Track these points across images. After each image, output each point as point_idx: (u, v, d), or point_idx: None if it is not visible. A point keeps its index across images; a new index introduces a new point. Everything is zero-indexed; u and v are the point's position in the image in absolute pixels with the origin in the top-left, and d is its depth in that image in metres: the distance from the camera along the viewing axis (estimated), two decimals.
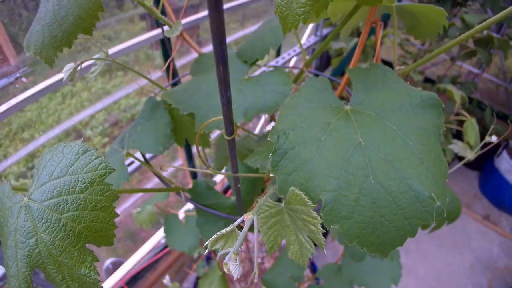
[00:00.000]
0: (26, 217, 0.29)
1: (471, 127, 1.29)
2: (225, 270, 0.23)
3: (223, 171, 0.64)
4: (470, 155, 0.77)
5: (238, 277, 0.23)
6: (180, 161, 1.44)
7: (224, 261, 0.23)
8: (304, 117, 0.33)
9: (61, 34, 0.35)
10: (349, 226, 0.28)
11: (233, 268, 0.22)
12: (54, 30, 0.35)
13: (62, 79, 0.44)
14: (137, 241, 1.60)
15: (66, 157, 0.29)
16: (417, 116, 0.32)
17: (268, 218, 0.32)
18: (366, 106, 0.34)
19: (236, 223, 0.26)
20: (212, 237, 0.25)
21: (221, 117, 0.29)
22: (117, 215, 0.29)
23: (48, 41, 0.36)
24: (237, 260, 0.23)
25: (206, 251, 0.25)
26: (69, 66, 0.44)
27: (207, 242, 0.25)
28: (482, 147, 1.07)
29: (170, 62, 0.87)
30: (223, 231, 0.25)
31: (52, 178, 0.29)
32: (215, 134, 1.21)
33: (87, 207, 0.29)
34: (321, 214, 0.28)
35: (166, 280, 0.94)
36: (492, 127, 0.74)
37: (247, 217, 0.26)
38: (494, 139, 0.66)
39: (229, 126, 0.29)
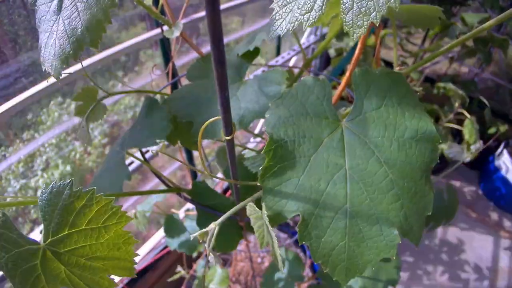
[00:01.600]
0: (48, 258, 0.31)
1: (471, 126, 1.29)
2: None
3: (221, 173, 0.65)
4: (467, 157, 0.78)
5: (220, 265, 0.29)
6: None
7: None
8: (298, 128, 0.33)
9: (69, 47, 0.35)
10: (318, 245, 0.30)
11: (211, 259, 0.29)
12: (63, 42, 0.36)
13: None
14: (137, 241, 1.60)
15: (80, 207, 0.30)
16: (409, 150, 0.32)
17: (256, 220, 0.34)
18: (361, 127, 0.33)
19: (209, 228, 0.30)
20: (195, 234, 0.29)
21: (218, 117, 0.29)
22: (136, 254, 0.32)
23: (58, 54, 0.36)
24: (212, 255, 0.30)
25: (192, 236, 0.30)
26: (81, 133, 0.45)
27: (194, 235, 0.30)
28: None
29: (169, 63, 0.87)
30: (204, 230, 0.30)
31: (68, 228, 0.30)
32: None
33: (105, 250, 0.31)
34: (297, 229, 0.30)
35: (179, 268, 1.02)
36: (476, 137, 0.74)
37: (210, 227, 0.30)
38: (478, 145, 0.66)
39: (228, 127, 0.29)
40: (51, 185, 0.31)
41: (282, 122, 0.33)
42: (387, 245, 0.29)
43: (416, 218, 0.30)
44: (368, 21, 0.27)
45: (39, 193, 0.32)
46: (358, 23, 0.27)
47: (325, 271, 0.30)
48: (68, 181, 0.31)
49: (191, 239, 0.29)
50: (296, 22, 0.29)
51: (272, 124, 0.33)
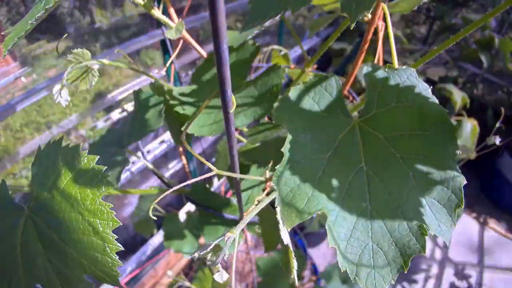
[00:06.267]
0: (30, 232, 0.27)
1: (462, 127, 1.29)
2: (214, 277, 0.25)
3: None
4: (472, 154, 0.77)
5: (224, 281, 0.25)
6: (180, 160, 1.44)
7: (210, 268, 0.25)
8: (312, 125, 0.32)
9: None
10: (345, 248, 0.28)
11: (217, 276, 0.25)
12: None
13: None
14: (137, 242, 1.60)
15: (65, 165, 0.26)
16: (426, 143, 0.30)
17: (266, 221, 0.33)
18: (376, 124, 0.33)
19: (221, 237, 0.26)
20: (204, 253, 0.25)
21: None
22: (118, 247, 0.25)
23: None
24: (220, 269, 0.25)
25: (195, 260, 0.25)
26: (57, 88, 0.42)
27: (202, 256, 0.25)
28: (484, 148, 1.06)
29: (171, 64, 0.87)
30: (209, 247, 0.25)
31: (49, 188, 0.26)
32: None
33: (82, 231, 0.25)
34: (326, 227, 0.29)
35: (170, 273, 1.00)
36: (494, 129, 0.73)
37: (228, 236, 0.26)
38: (497, 140, 0.64)
39: (230, 126, 0.28)
40: (47, 143, 0.28)
41: (295, 117, 0.32)
42: (416, 242, 0.28)
43: (443, 211, 0.29)
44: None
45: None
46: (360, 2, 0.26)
47: (354, 280, 0.28)
48: (60, 137, 0.27)
49: (204, 252, 0.24)
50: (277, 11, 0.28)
51: (287, 119, 0.32)
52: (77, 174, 0.25)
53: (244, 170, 0.54)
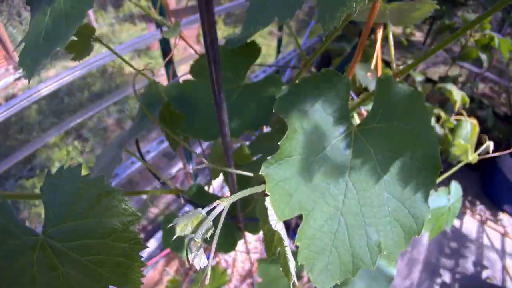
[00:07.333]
0: (46, 253, 0.28)
1: (462, 126, 1.29)
2: (190, 260, 0.22)
3: (220, 176, 0.64)
4: (471, 157, 0.77)
5: (201, 268, 0.22)
6: (179, 160, 1.44)
7: (188, 248, 0.22)
8: (311, 122, 0.32)
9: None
10: (307, 246, 0.30)
11: (194, 257, 0.21)
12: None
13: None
14: None
15: (86, 196, 0.27)
16: (410, 171, 0.31)
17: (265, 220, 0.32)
18: (372, 137, 0.32)
19: (206, 208, 0.25)
20: (180, 221, 0.23)
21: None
22: (143, 264, 0.28)
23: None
24: (200, 249, 0.22)
25: (176, 236, 0.23)
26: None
27: (175, 224, 0.23)
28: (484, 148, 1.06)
29: (170, 64, 0.87)
30: (191, 213, 0.24)
31: (71, 218, 0.27)
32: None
33: (110, 253, 0.27)
34: (299, 228, 0.30)
35: (167, 271, 0.99)
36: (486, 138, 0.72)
37: (217, 203, 0.24)
38: (491, 147, 0.64)
39: (224, 127, 0.28)
40: (59, 168, 0.28)
41: (297, 110, 0.31)
42: (369, 257, 0.30)
43: (401, 237, 0.31)
44: (344, 12, 0.23)
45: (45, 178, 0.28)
46: (332, 14, 0.24)
47: (307, 273, 0.29)
48: (76, 165, 0.28)
49: (175, 224, 0.23)
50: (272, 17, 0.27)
51: (289, 110, 0.31)
52: (105, 207, 0.27)
53: (243, 183, 0.54)
